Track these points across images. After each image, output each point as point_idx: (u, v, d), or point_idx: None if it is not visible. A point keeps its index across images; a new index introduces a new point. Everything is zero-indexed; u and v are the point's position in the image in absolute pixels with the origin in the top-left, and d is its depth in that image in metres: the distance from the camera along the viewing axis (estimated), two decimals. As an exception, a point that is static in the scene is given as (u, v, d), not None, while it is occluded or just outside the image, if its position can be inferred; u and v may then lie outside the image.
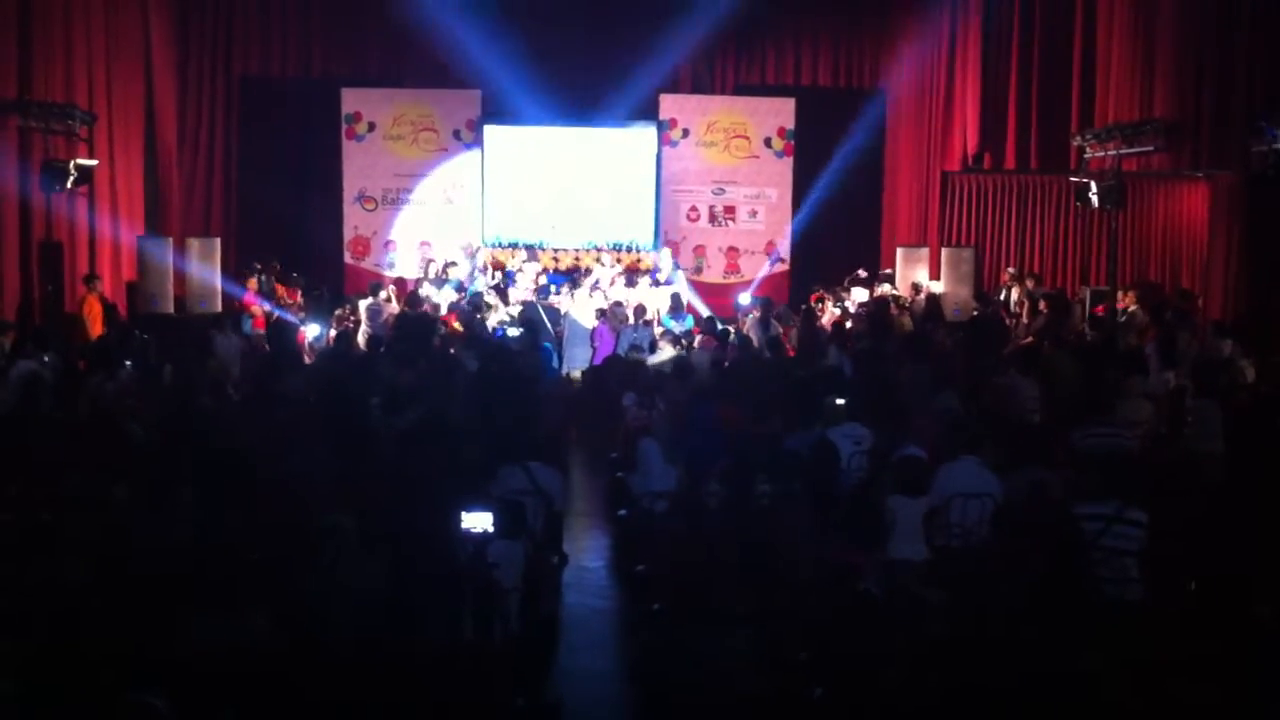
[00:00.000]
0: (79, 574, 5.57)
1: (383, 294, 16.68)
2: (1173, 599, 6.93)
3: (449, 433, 8.41)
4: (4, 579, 5.60)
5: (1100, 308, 15.70)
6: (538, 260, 19.16)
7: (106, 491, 6.83)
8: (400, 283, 18.89)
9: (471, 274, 18.56)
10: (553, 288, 18.03)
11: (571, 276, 18.68)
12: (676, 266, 19.09)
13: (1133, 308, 15.15)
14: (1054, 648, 5.71)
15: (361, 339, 14.78)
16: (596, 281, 17.86)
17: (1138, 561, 6.71)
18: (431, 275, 18.46)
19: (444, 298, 16.94)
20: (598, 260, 19.32)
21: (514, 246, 19.73)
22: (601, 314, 16.04)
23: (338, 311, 16.84)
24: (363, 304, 16.31)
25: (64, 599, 5.32)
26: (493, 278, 18.47)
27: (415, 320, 14.59)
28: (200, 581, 5.43)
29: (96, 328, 14.44)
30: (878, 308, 16.22)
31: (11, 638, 4.97)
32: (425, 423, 8.66)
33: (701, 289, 19.84)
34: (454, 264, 18.74)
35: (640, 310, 16.09)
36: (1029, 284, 17.40)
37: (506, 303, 17.12)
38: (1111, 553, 6.65)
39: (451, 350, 13.09)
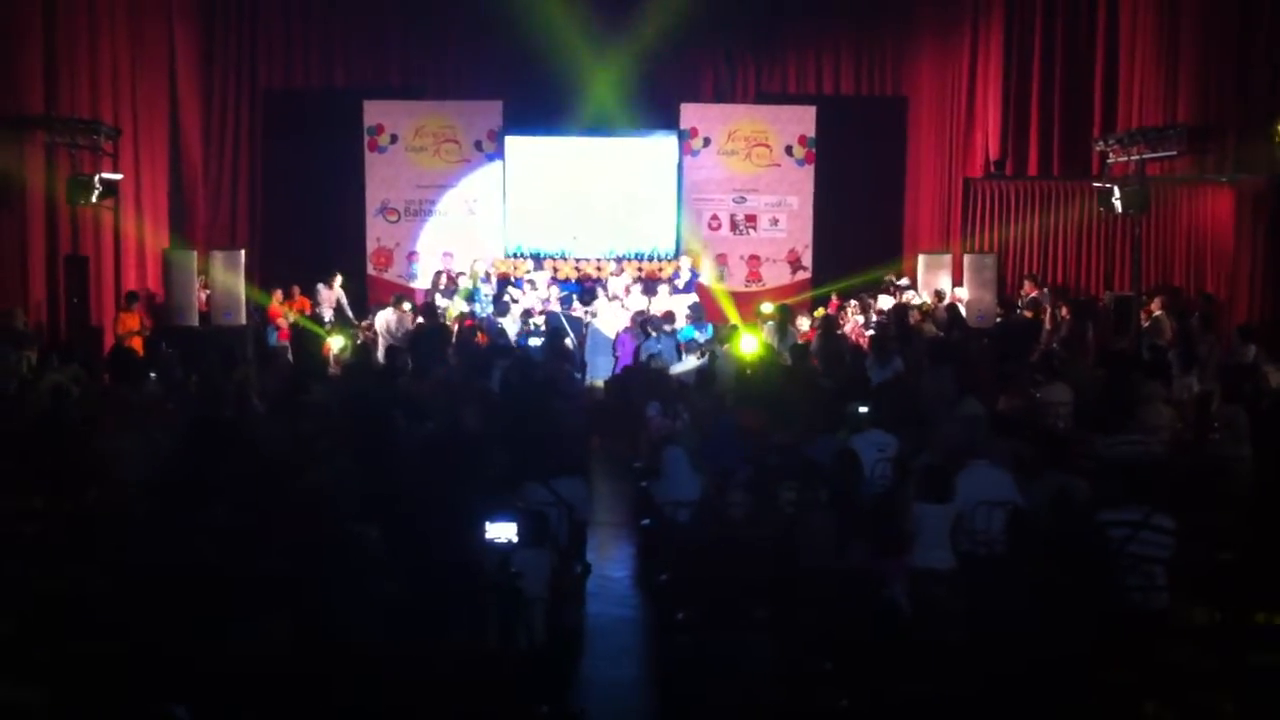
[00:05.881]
0: (104, 584, 5.60)
1: (406, 305, 16.70)
2: (1200, 606, 6.88)
3: (469, 442, 8.42)
4: (30, 589, 5.63)
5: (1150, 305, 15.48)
6: (544, 269, 19.18)
7: (131, 502, 6.86)
8: (415, 295, 18.96)
9: (474, 285, 18.54)
10: (574, 296, 18.05)
11: (586, 285, 18.70)
12: (694, 275, 19.09)
13: (1158, 313, 15.08)
14: (1079, 656, 5.67)
15: (382, 350, 14.84)
16: (613, 291, 17.90)
17: (1165, 569, 6.66)
18: (441, 286, 18.50)
19: (456, 307, 17.03)
20: (609, 271, 19.33)
21: (535, 256, 19.77)
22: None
23: (363, 323, 16.91)
24: (385, 315, 16.28)
25: (88, 608, 5.35)
26: (496, 288, 18.47)
27: (433, 331, 14.66)
28: (225, 591, 5.46)
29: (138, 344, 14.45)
30: (898, 315, 16.19)
31: (37, 647, 5.00)
32: (445, 432, 8.68)
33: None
34: (462, 274, 18.80)
35: (669, 317, 16.09)
36: (1033, 289, 17.38)
37: (529, 313, 17.16)
38: (1139, 560, 6.61)
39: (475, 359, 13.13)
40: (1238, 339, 13.20)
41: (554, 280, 18.89)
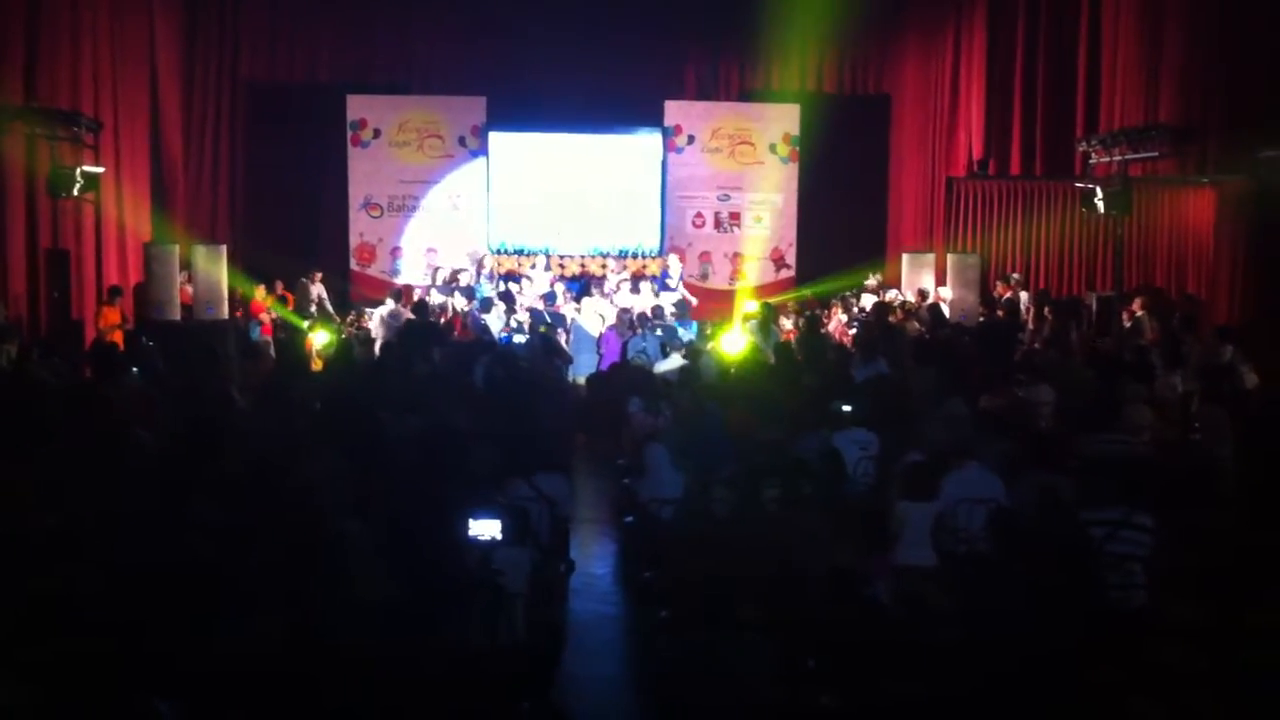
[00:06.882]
0: (90, 581, 5.56)
1: (401, 301, 16.63)
2: (1180, 605, 6.91)
3: (454, 438, 8.39)
4: (17, 586, 5.59)
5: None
6: (550, 268, 19.17)
7: (116, 499, 6.81)
8: (408, 289, 18.90)
9: (477, 280, 18.55)
10: (565, 293, 18.02)
11: (583, 282, 18.72)
12: (681, 275, 19.11)
13: (1139, 313, 15.13)
14: (1061, 654, 5.69)
15: (376, 346, 14.78)
16: (608, 289, 17.93)
17: (1145, 567, 6.69)
18: (439, 282, 18.47)
19: (455, 304, 16.98)
20: (604, 267, 19.37)
21: (520, 253, 19.77)
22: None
23: (348, 317, 16.85)
24: (379, 311, 16.22)
25: (76, 606, 5.31)
26: (499, 285, 18.45)
27: (421, 326, 14.60)
28: (211, 588, 5.43)
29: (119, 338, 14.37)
30: (879, 314, 16.21)
31: (25, 645, 4.97)
32: (430, 429, 8.64)
33: (706, 294, 19.88)
34: (463, 270, 18.77)
35: (657, 314, 16.08)
36: (1007, 290, 17.41)
37: (513, 309, 17.12)
38: (1118, 558, 6.63)
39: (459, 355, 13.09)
40: (1215, 339, 13.24)
41: (560, 278, 18.87)
